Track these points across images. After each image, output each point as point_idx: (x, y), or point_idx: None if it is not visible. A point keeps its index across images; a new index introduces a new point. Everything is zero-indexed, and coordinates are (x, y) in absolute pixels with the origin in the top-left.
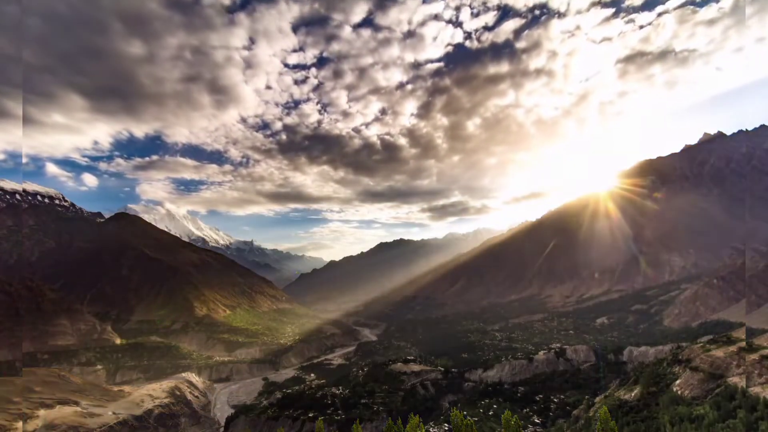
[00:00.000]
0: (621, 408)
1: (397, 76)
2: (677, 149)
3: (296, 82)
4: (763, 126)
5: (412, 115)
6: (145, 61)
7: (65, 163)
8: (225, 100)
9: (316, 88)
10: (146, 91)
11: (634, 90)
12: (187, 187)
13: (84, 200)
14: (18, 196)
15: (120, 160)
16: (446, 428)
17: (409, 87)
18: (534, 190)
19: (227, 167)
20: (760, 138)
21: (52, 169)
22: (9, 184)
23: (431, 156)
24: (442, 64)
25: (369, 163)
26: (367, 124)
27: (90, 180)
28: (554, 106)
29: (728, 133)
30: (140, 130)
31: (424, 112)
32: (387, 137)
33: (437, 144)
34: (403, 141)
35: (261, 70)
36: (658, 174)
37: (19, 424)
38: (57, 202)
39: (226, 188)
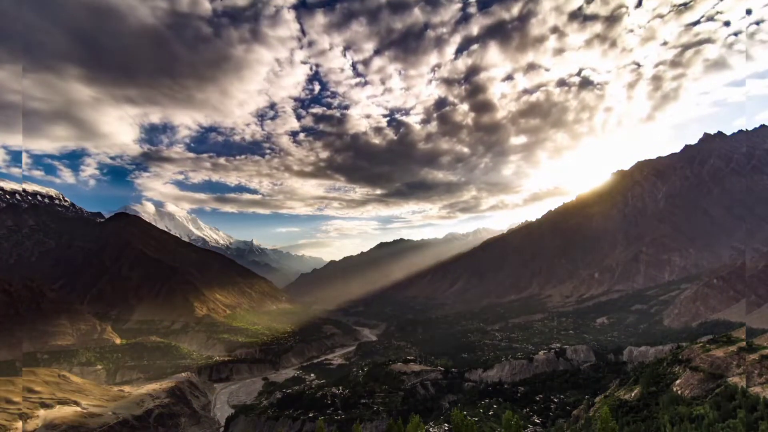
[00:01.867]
0: (621, 408)
1: (412, 17)
2: (677, 149)
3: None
4: (763, 126)
5: (429, 81)
6: (98, 11)
7: (43, 156)
8: (199, 63)
9: (308, 45)
10: (104, 54)
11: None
12: (177, 182)
13: (75, 196)
14: (18, 196)
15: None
16: (446, 428)
17: (431, 35)
18: (558, 184)
19: (205, 155)
20: (760, 138)
21: (34, 161)
22: (9, 184)
23: (449, 137)
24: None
25: (374, 149)
26: (372, 96)
27: (84, 176)
28: (605, 67)
29: (728, 133)
30: (112, 113)
31: (445, 76)
32: (396, 116)
33: (457, 121)
34: (414, 119)
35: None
36: (659, 174)
37: (19, 423)
38: (57, 202)
39: (213, 181)
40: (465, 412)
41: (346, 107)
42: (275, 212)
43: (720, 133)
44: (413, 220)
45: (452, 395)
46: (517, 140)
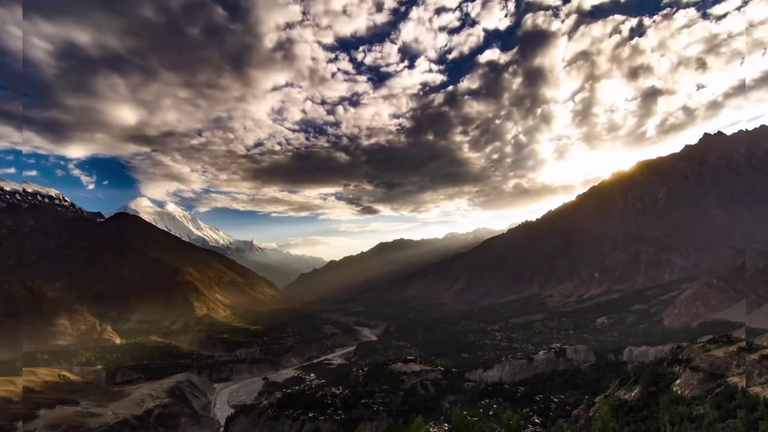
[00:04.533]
0: (621, 408)
1: None
2: (677, 149)
3: None
4: (763, 126)
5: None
6: None
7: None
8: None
9: None
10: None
11: None
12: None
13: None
14: (18, 196)
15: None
16: (446, 428)
17: None
18: (596, 173)
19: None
20: (760, 138)
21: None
22: (9, 184)
23: (481, 93)
24: None
25: (377, 124)
26: (375, 28)
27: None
28: None
29: (728, 133)
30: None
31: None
32: (415, 66)
33: (494, 69)
34: (432, 66)
35: None
36: (659, 174)
37: (20, 423)
38: (57, 202)
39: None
40: (465, 412)
41: (339, 46)
42: (272, 211)
43: (720, 133)
44: (425, 219)
45: (452, 395)
46: (567, 96)
